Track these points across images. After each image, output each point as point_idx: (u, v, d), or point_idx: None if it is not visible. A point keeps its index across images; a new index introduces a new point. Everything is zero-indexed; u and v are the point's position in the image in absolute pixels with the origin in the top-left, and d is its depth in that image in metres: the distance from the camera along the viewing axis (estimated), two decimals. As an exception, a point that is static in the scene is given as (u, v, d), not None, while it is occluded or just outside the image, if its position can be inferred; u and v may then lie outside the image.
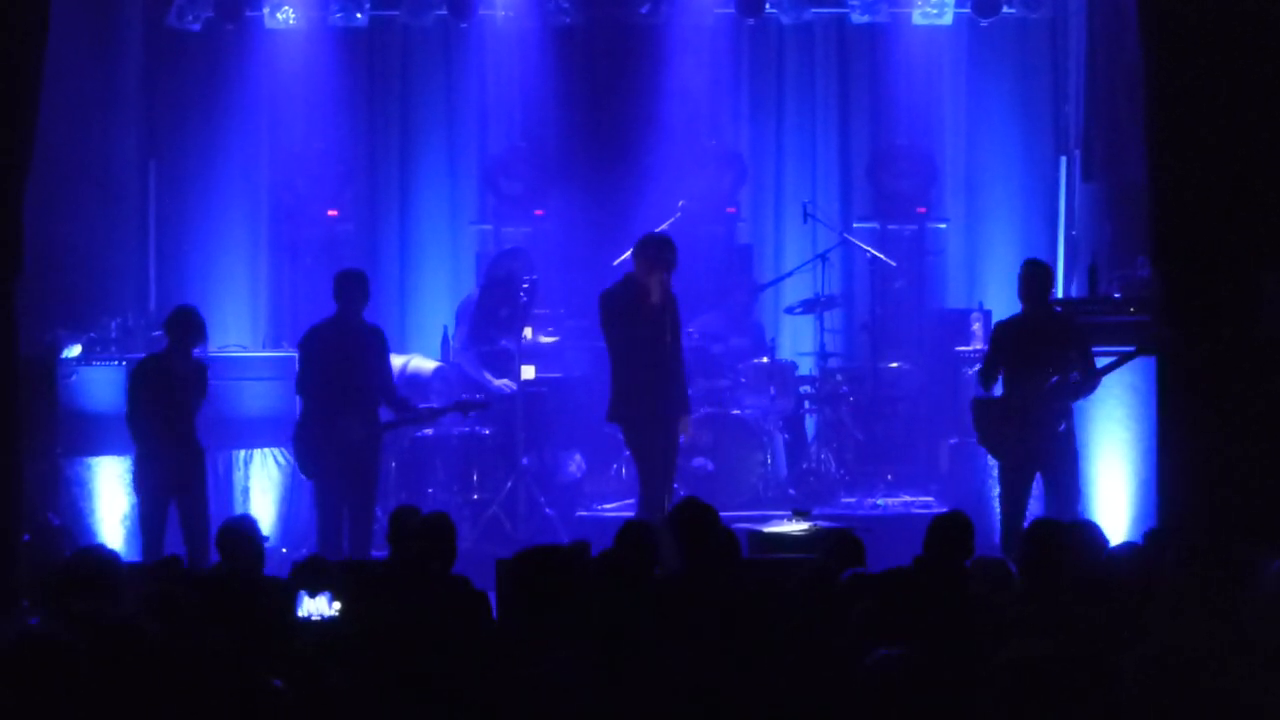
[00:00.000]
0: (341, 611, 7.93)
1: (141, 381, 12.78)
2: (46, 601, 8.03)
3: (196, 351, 12.94)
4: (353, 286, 12.98)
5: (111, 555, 8.51)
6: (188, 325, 12.76)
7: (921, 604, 7.80)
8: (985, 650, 7.06)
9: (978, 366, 13.49)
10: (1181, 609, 7.55)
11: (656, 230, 13.96)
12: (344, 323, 12.94)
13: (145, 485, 12.71)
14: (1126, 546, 9.06)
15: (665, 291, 12.69)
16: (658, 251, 12.71)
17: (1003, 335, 12.73)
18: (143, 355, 13.63)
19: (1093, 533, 9.28)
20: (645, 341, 12.65)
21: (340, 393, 12.82)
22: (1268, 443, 11.15)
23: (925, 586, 8.41)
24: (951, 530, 9.14)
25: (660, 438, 12.78)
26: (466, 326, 15.99)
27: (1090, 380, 12.45)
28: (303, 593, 7.88)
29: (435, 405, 13.83)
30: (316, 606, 7.87)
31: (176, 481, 12.64)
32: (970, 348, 15.79)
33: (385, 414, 13.14)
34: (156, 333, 14.45)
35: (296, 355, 13.24)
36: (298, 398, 13.18)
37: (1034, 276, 12.71)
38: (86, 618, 7.53)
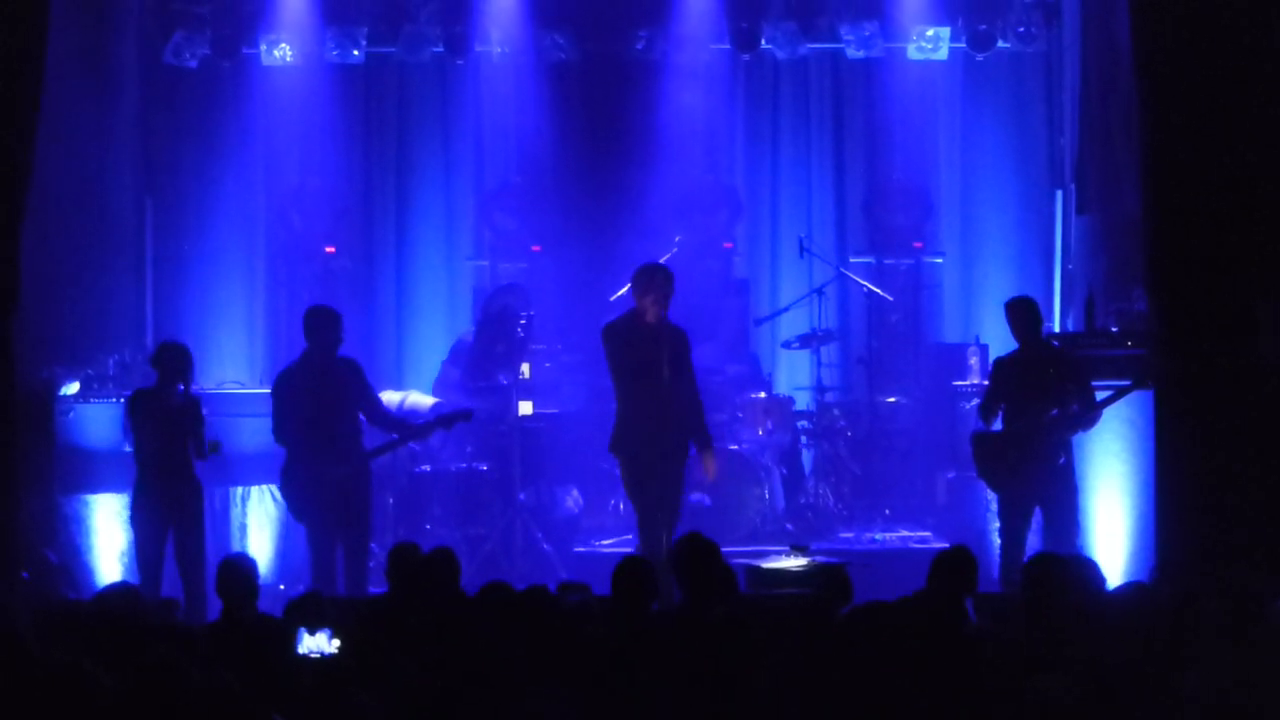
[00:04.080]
0: (342, 648, 7.91)
1: (134, 415, 12.70)
2: (70, 636, 8.06)
3: (186, 386, 12.84)
4: (322, 323, 12.83)
5: (137, 592, 8.51)
6: (173, 360, 12.65)
7: (923, 639, 7.79)
8: (988, 686, 7.07)
9: (976, 401, 13.48)
10: (1190, 646, 7.53)
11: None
12: (315, 361, 12.76)
13: (139, 520, 12.64)
14: (1131, 585, 9.04)
15: (661, 318, 12.64)
16: (649, 278, 12.65)
17: (1002, 371, 12.73)
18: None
19: (1091, 569, 9.26)
20: (643, 372, 12.60)
21: (323, 433, 12.62)
22: (1266, 474, 11.16)
23: (927, 621, 8.41)
24: (956, 565, 9.13)
25: (657, 472, 12.66)
26: (463, 363, 15.97)
27: (1089, 413, 12.45)
28: (303, 630, 7.86)
29: (417, 423, 13.63)
30: (317, 644, 7.85)
31: (172, 517, 12.57)
32: (967, 382, 15.79)
33: (371, 439, 13.02)
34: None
35: (272, 401, 12.86)
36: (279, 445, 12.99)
37: (1020, 314, 12.69)
38: (108, 655, 7.54)
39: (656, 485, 12.58)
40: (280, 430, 12.73)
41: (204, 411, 12.81)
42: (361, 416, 12.84)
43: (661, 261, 14.29)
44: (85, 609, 8.56)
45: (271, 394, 12.91)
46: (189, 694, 6.82)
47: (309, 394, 12.63)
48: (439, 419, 13.35)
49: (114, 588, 9.15)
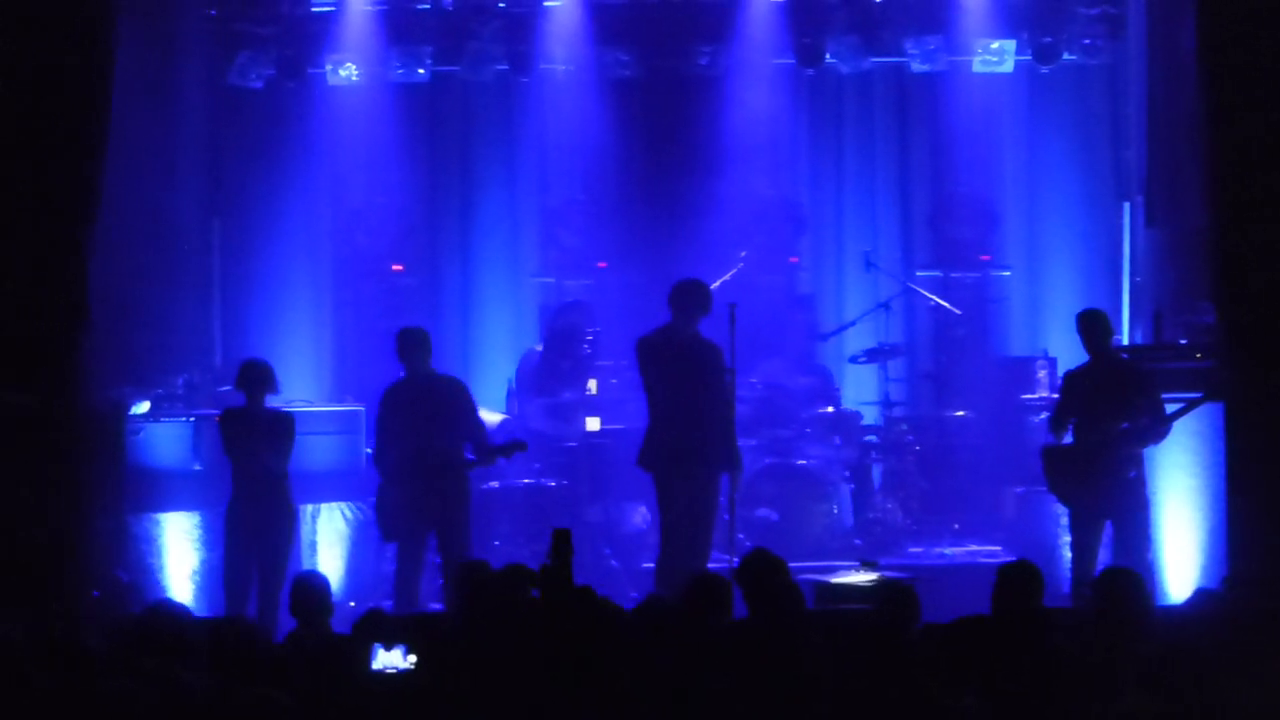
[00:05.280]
0: (417, 665, 7.93)
1: (224, 430, 12.81)
2: (117, 657, 8.07)
3: (272, 402, 12.93)
4: (407, 344, 12.95)
5: (182, 610, 8.54)
6: (253, 377, 12.77)
7: (993, 654, 7.76)
8: (1058, 700, 7.03)
9: (1046, 414, 13.43)
10: (1259, 659, 7.48)
11: (712, 281, 13.88)
12: (415, 381, 12.89)
13: (228, 536, 12.72)
14: (1199, 593, 8.97)
15: (697, 334, 12.64)
16: (689, 293, 12.68)
17: (1072, 384, 12.70)
18: (212, 411, 13.66)
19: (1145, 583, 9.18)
20: (676, 387, 12.59)
21: (426, 451, 12.75)
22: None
23: (996, 636, 8.37)
24: (1019, 579, 9.07)
25: (686, 489, 12.58)
26: (529, 380, 16.00)
27: (1159, 426, 12.38)
28: (378, 646, 7.89)
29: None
30: (391, 660, 7.87)
31: (258, 535, 12.63)
32: (1035, 395, 15.73)
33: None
34: (224, 388, 14.52)
35: (376, 418, 12.99)
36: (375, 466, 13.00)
37: (1091, 326, 12.67)
38: (158, 675, 7.56)
39: (684, 501, 12.54)
40: (382, 450, 12.83)
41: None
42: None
43: (720, 280, 14.35)
44: (127, 624, 8.58)
45: (377, 416, 13.00)
46: (239, 708, 6.86)
47: (409, 412, 12.73)
48: (498, 448, 13.36)
49: (160, 604, 9.17)
